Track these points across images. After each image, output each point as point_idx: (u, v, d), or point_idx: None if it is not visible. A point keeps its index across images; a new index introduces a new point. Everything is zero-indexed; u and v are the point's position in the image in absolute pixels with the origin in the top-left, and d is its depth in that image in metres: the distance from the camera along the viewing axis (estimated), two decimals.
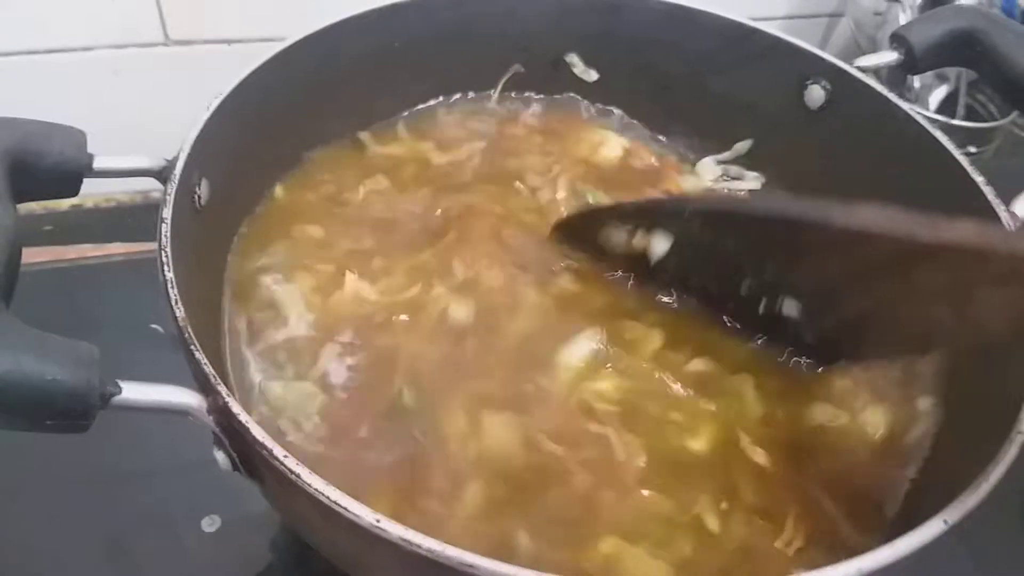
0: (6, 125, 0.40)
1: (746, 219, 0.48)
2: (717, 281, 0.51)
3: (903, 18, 0.85)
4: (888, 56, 0.60)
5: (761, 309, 0.49)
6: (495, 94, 0.67)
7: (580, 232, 0.56)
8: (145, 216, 0.82)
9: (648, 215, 0.53)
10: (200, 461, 0.59)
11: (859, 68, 0.59)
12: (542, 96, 0.68)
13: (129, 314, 0.67)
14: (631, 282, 0.54)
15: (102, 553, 0.57)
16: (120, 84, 0.83)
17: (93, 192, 0.86)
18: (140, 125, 0.65)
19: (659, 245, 0.52)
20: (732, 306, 0.51)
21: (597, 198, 0.61)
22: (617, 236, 0.53)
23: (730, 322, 0.52)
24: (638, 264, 0.53)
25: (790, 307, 0.47)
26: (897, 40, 0.60)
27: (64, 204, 0.84)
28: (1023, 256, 0.36)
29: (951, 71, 0.87)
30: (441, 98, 0.67)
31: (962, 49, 0.59)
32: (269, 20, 0.80)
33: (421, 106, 0.66)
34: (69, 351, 0.33)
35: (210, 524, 0.58)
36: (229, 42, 0.83)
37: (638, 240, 0.52)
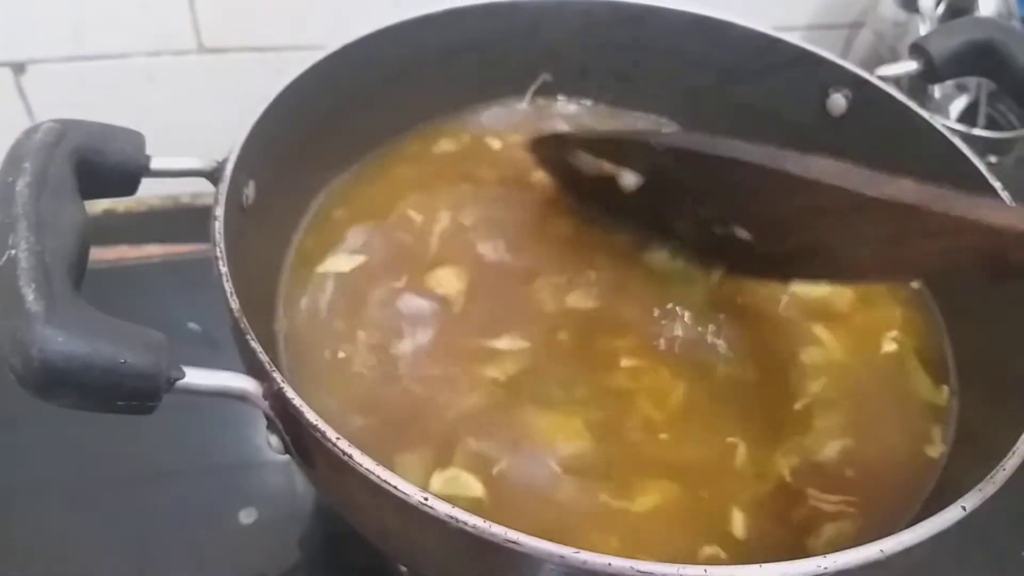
0: (73, 126, 0.42)
1: (711, 159, 0.52)
2: (679, 208, 0.56)
3: (923, 29, 0.86)
4: (908, 66, 0.61)
5: (716, 230, 0.55)
6: (526, 101, 0.69)
7: (555, 154, 0.61)
8: (177, 219, 0.85)
9: (620, 145, 0.58)
10: (240, 458, 0.62)
11: (880, 77, 0.60)
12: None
13: (168, 313, 0.69)
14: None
15: (140, 537, 0.59)
16: (154, 91, 0.86)
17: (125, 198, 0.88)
18: (174, 130, 0.67)
19: (629, 177, 0.56)
20: (688, 229, 0.57)
21: None
22: (589, 161, 0.58)
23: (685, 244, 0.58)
24: (606, 193, 0.57)
25: (742, 232, 0.53)
26: (917, 50, 0.61)
27: (98, 208, 0.86)
28: (951, 215, 0.41)
29: (971, 81, 0.88)
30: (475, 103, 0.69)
31: (980, 60, 0.60)
32: (300, 29, 0.82)
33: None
34: (140, 336, 0.35)
35: (247, 516, 0.60)
36: (261, 50, 0.85)
37: (608, 167, 0.57)
